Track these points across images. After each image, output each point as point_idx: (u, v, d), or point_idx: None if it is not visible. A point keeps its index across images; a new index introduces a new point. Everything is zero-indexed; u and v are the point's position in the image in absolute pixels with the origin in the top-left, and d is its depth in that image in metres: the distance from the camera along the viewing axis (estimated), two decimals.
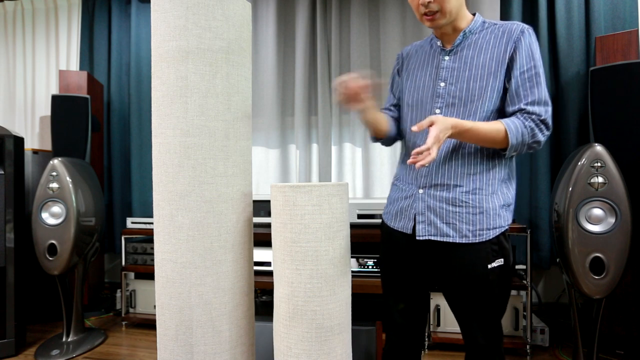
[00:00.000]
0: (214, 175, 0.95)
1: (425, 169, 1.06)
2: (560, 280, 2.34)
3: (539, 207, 2.24)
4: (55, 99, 2.35)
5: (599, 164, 1.57)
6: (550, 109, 1.00)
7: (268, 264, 2.13)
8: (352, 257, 2.05)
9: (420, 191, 1.06)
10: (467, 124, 0.96)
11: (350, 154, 2.58)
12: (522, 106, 0.99)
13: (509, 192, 1.06)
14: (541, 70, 1.00)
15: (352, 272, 2.04)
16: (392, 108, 1.27)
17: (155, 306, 2.37)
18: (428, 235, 1.04)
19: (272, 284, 2.02)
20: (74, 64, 2.98)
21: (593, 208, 1.57)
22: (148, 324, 2.39)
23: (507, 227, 1.03)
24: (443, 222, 1.02)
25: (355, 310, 2.13)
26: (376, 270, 2.01)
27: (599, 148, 1.59)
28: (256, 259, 2.15)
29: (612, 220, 1.54)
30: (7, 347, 1.95)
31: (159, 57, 0.96)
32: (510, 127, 0.97)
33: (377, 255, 2.01)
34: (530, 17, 2.30)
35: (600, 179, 1.56)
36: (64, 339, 2.07)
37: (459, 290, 1.04)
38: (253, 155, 2.71)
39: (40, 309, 2.50)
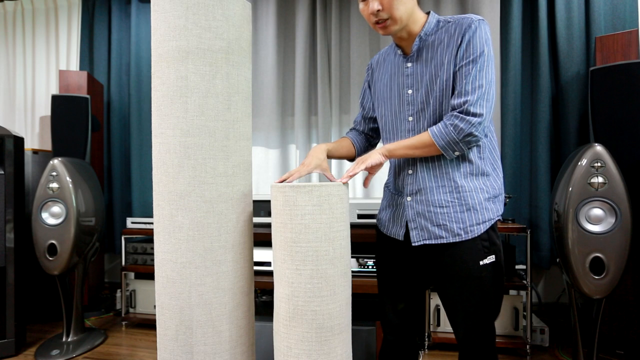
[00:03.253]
0: (214, 175, 0.95)
1: (408, 177, 1.08)
2: (560, 280, 2.34)
3: (539, 207, 2.24)
4: (55, 99, 2.35)
5: (599, 164, 1.57)
6: (476, 96, 0.95)
7: (268, 264, 2.13)
8: (352, 257, 2.04)
9: (408, 199, 1.08)
10: (389, 146, 1.03)
11: None
12: (450, 102, 0.99)
13: (494, 183, 1.06)
14: (480, 62, 0.96)
15: (352, 272, 2.04)
16: (360, 122, 1.31)
17: (155, 306, 2.37)
18: (422, 240, 1.05)
19: (272, 284, 2.02)
20: (74, 64, 2.98)
21: (593, 208, 1.57)
22: (148, 324, 2.39)
23: (497, 218, 1.05)
24: (434, 225, 1.04)
25: (355, 310, 2.13)
26: (376, 270, 2.01)
27: (599, 148, 1.59)
28: (256, 259, 2.15)
29: (612, 220, 1.54)
30: (7, 347, 1.95)
31: (159, 57, 0.96)
32: (434, 132, 0.99)
33: None
34: (530, 17, 2.31)
35: (600, 179, 1.56)
36: (64, 339, 2.07)
37: (452, 288, 1.05)
38: (253, 155, 2.71)
39: (40, 309, 2.50)
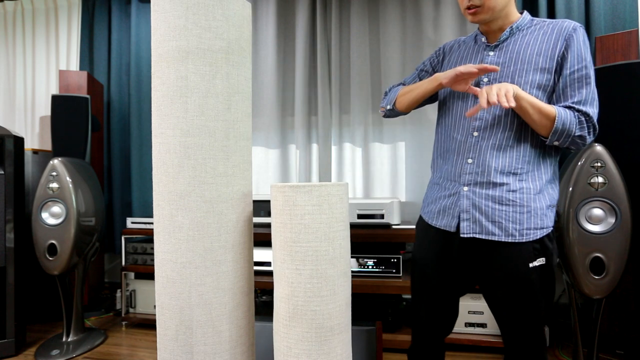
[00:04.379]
0: (214, 175, 0.95)
1: (467, 166, 1.05)
2: (560, 280, 2.34)
3: None
4: (55, 99, 2.35)
5: (599, 164, 1.57)
6: (596, 111, 0.98)
7: (268, 264, 2.13)
8: (352, 257, 2.04)
9: (465, 189, 1.05)
10: (519, 92, 0.95)
11: (350, 154, 2.58)
12: (569, 104, 0.97)
13: (554, 193, 1.04)
14: (591, 71, 0.98)
15: (352, 272, 2.04)
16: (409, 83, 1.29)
17: (155, 306, 2.37)
18: (473, 233, 1.03)
19: (272, 284, 2.02)
20: (74, 64, 2.98)
21: (593, 208, 1.57)
22: (148, 324, 2.39)
23: (552, 228, 1.02)
24: (489, 221, 1.01)
25: (355, 310, 2.13)
26: (376, 270, 2.01)
27: (599, 148, 1.59)
28: (256, 259, 2.15)
29: (612, 220, 1.54)
30: (7, 347, 1.95)
31: (159, 57, 0.96)
32: (560, 112, 0.95)
33: (377, 255, 2.02)
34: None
35: (600, 179, 1.56)
36: (64, 339, 2.07)
37: (500, 289, 1.02)
38: (253, 155, 2.71)
39: (40, 309, 2.49)
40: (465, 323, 1.96)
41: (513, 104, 0.89)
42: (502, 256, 1.01)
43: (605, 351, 1.88)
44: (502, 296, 1.03)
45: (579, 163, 1.59)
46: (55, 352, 1.97)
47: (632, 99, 1.78)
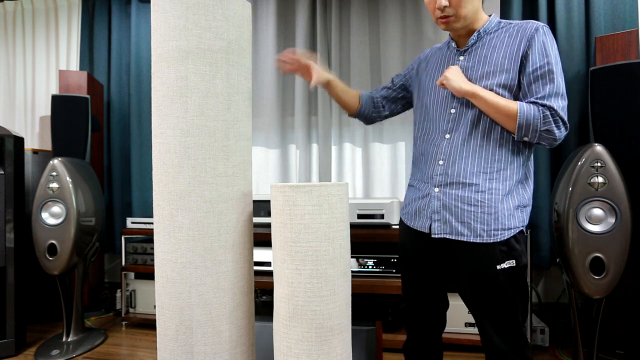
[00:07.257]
0: (214, 175, 0.95)
1: (438, 167, 1.07)
2: (560, 280, 2.34)
3: (539, 207, 2.24)
4: (55, 99, 2.35)
5: (599, 164, 1.57)
6: (563, 105, 0.97)
7: (268, 264, 2.13)
8: (352, 257, 2.04)
9: (436, 190, 1.07)
10: (480, 91, 0.99)
11: (350, 154, 2.58)
12: (533, 99, 0.98)
13: (525, 193, 1.05)
14: (555, 68, 0.98)
15: (352, 272, 2.04)
16: (379, 89, 1.36)
17: (155, 306, 2.37)
18: (443, 233, 1.04)
19: (272, 284, 2.02)
20: (74, 64, 2.98)
21: (593, 208, 1.57)
22: (148, 324, 2.39)
23: (521, 228, 1.03)
24: (458, 221, 1.02)
25: (355, 310, 2.13)
26: (376, 270, 2.01)
27: (599, 148, 1.59)
28: (256, 259, 2.15)
29: (612, 220, 1.54)
30: (7, 347, 1.95)
31: (159, 57, 0.96)
32: (523, 108, 0.96)
33: (377, 255, 2.02)
34: (530, 17, 2.30)
35: (600, 179, 1.56)
36: (64, 339, 2.07)
37: (470, 290, 1.04)
38: (253, 155, 2.71)
39: (40, 309, 2.49)
40: (465, 323, 1.96)
41: (443, 82, 1.03)
42: (471, 257, 1.02)
43: (605, 351, 1.88)
44: (472, 296, 1.04)
45: (579, 163, 1.59)
46: (55, 352, 1.96)
47: (632, 99, 1.78)
